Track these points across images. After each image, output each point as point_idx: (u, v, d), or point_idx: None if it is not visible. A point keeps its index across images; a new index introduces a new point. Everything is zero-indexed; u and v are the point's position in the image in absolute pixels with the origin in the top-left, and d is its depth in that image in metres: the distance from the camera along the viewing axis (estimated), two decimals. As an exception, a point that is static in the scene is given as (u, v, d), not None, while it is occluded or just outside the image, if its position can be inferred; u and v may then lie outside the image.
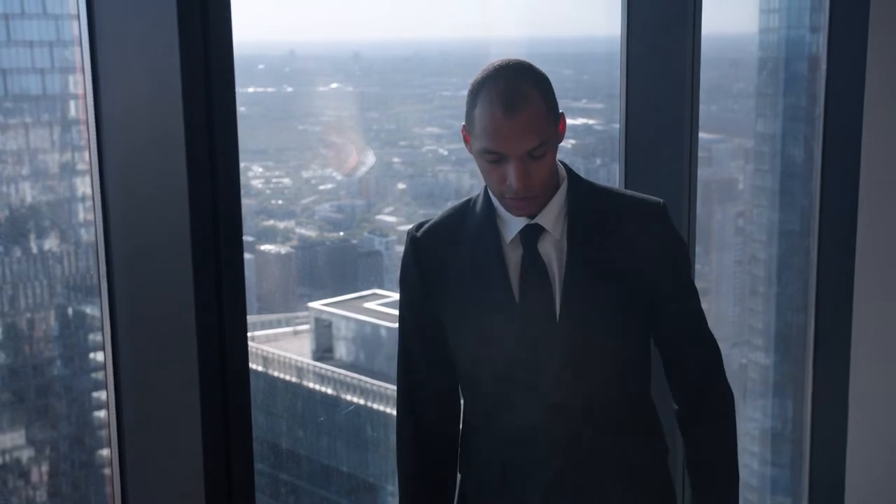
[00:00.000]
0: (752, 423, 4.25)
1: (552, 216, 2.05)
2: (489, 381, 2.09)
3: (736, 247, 4.35)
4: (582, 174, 2.16)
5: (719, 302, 4.33)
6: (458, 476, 2.22)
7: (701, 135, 3.77)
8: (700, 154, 3.96)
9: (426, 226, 2.15)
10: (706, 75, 3.47)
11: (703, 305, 2.21)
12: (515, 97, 1.91)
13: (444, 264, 2.10)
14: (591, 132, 4.02)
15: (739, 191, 4.37)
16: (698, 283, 3.97)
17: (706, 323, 2.17)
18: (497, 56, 2.04)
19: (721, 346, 2.21)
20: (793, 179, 3.99)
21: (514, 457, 2.09)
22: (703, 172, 4.10)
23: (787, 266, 4.05)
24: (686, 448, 2.18)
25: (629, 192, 2.19)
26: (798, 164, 3.95)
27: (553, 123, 1.96)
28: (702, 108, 3.61)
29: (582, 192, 2.07)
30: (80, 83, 2.23)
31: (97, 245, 2.24)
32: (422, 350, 2.15)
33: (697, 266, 4.04)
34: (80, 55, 2.18)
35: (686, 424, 2.16)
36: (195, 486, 2.15)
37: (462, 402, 2.20)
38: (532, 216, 2.04)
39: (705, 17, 3.18)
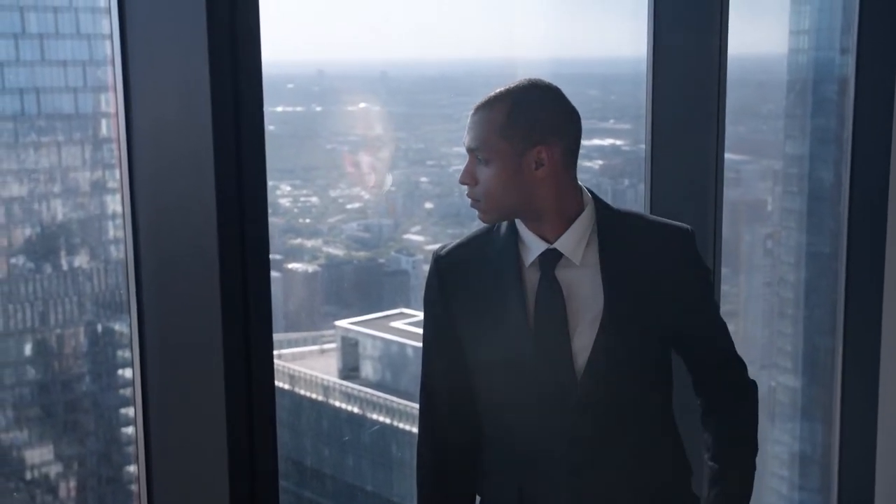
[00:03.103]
0: (781, 446, 4.21)
1: (572, 242, 2.05)
2: (505, 403, 2.10)
3: (765, 269, 4.33)
4: (609, 195, 2.16)
5: (748, 324, 4.30)
6: (477, 498, 2.22)
7: (729, 156, 3.76)
8: (728, 175, 3.94)
9: (450, 246, 2.17)
10: (735, 96, 3.46)
11: (731, 327, 2.24)
12: (487, 100, 2.02)
13: (466, 285, 2.11)
14: (618, 153, 4.01)
15: (768, 212, 4.35)
16: (725, 305, 3.94)
17: (729, 336, 2.21)
18: (522, 76, 2.07)
19: (749, 368, 2.24)
20: (822, 202, 3.96)
21: (531, 478, 2.09)
22: (731, 194, 4.08)
23: (816, 288, 4.02)
24: (708, 435, 2.20)
25: (656, 218, 2.19)
26: (827, 186, 3.92)
27: (506, 142, 1.97)
28: (730, 129, 3.60)
29: (611, 220, 2.07)
30: (112, 102, 2.26)
31: (126, 262, 2.26)
32: (443, 369, 2.15)
33: (725, 287, 4.02)
34: (112, 74, 2.21)
35: (711, 413, 2.20)
36: (220, 499, 2.16)
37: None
38: (548, 241, 2.05)
39: (734, 39, 3.18)
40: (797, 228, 4.06)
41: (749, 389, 2.20)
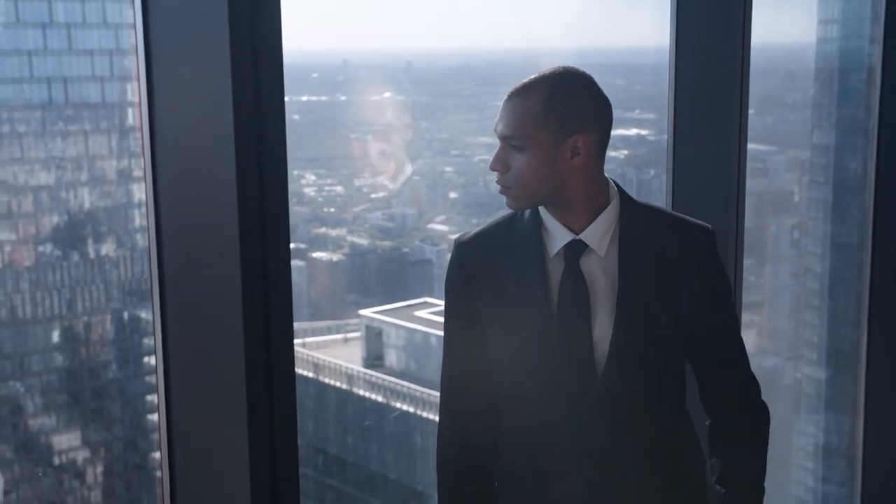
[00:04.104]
0: (807, 438, 4.19)
1: (598, 234, 2.04)
2: (525, 392, 2.10)
3: (791, 259, 4.30)
4: (634, 185, 2.15)
5: (774, 315, 4.28)
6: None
7: (756, 146, 3.73)
8: (755, 165, 3.91)
9: (472, 233, 2.16)
10: (762, 86, 3.43)
11: (756, 318, 2.20)
12: (521, 87, 1.99)
13: (487, 272, 2.11)
14: (644, 143, 4.00)
15: (795, 203, 4.32)
16: (751, 296, 3.91)
17: (746, 353, 2.19)
18: (546, 65, 2.06)
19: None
20: (849, 192, 3.93)
21: (548, 467, 2.09)
22: (758, 184, 4.06)
23: (843, 279, 4.00)
24: (714, 461, 2.18)
25: (680, 215, 2.18)
26: (855, 176, 3.89)
27: (543, 130, 1.95)
28: (757, 118, 3.57)
29: (634, 213, 2.06)
30: (135, 91, 2.28)
31: (149, 250, 2.28)
32: (464, 356, 2.16)
33: (751, 278, 3.99)
34: (135, 64, 2.23)
35: (719, 433, 2.18)
36: (241, 486, 2.18)
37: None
38: (575, 232, 2.04)
39: (762, 28, 3.15)
40: (824, 219, 4.04)
41: (761, 412, 2.17)
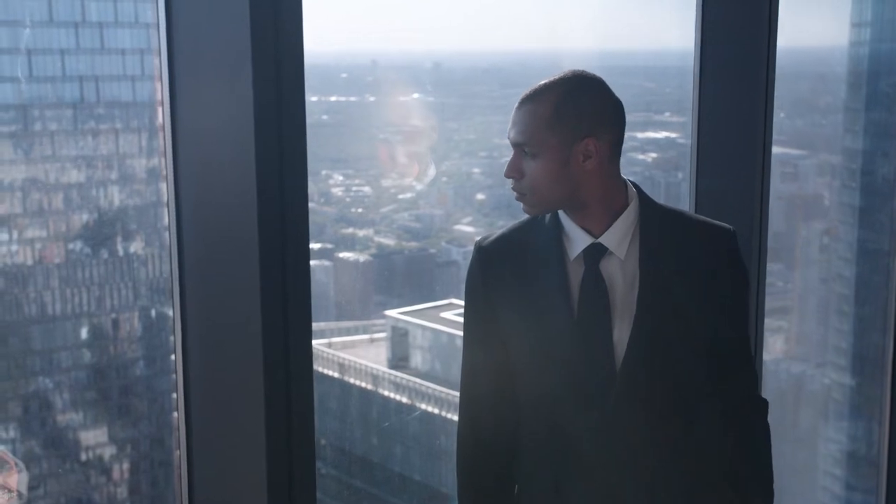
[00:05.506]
0: (834, 444, 4.15)
1: (617, 237, 2.05)
2: (546, 396, 2.10)
3: (820, 264, 4.26)
4: (662, 188, 2.15)
5: (802, 321, 4.24)
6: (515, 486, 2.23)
7: (787, 150, 3.71)
8: (785, 170, 3.89)
9: (493, 236, 2.17)
10: (793, 89, 3.41)
11: (784, 324, 2.22)
12: (532, 93, 2.00)
13: (508, 276, 2.11)
14: (673, 145, 3.98)
15: (825, 207, 4.28)
16: (779, 301, 3.89)
17: (751, 347, 2.22)
18: (570, 67, 2.05)
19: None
20: (879, 196, 3.90)
21: (568, 472, 2.09)
22: (787, 188, 4.03)
23: (872, 285, 3.96)
24: (722, 451, 2.19)
25: (700, 217, 2.18)
26: (884, 181, 3.86)
27: (555, 135, 1.96)
28: (787, 122, 3.55)
29: (653, 215, 2.06)
30: (158, 91, 2.30)
31: (170, 249, 2.30)
32: (483, 358, 2.16)
33: (779, 283, 3.96)
34: (158, 63, 2.25)
35: (724, 429, 2.19)
36: (257, 482, 2.19)
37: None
38: (594, 235, 2.04)
39: (791, 31, 3.13)
40: (853, 224, 4.00)
41: (761, 405, 2.20)
